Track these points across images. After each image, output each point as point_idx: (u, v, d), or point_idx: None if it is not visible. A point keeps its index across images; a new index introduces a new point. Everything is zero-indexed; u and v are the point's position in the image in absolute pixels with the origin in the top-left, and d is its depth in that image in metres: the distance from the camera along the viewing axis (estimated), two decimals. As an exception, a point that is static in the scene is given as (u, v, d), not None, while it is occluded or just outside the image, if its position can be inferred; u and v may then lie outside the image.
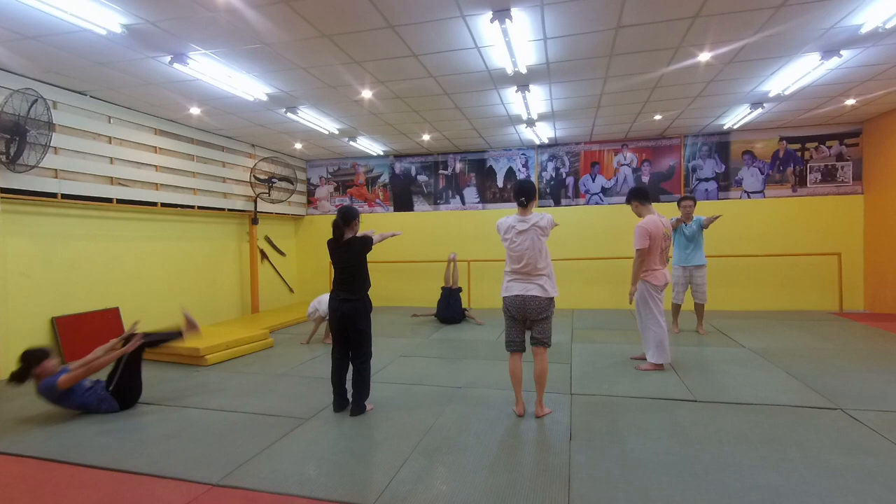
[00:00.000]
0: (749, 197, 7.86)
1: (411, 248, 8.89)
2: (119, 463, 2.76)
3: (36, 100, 4.52)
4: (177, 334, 4.04)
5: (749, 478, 2.41)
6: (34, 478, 2.65)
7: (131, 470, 2.68)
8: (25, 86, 4.59)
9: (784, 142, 7.70)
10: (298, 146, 8.36)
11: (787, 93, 5.70)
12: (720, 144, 7.93)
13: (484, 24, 3.91)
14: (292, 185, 8.40)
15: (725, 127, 7.49)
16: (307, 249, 9.69)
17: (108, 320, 5.74)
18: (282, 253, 9.25)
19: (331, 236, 3.65)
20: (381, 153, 9.04)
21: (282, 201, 8.36)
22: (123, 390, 3.64)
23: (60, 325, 5.20)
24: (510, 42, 4.14)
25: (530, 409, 3.39)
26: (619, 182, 8.35)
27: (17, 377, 3.42)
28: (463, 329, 6.60)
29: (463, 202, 9.02)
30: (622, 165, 8.33)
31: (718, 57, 4.65)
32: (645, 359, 4.48)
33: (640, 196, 4.38)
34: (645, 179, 8.22)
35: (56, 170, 5.14)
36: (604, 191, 8.41)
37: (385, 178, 9.40)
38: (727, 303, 7.63)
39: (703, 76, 5.20)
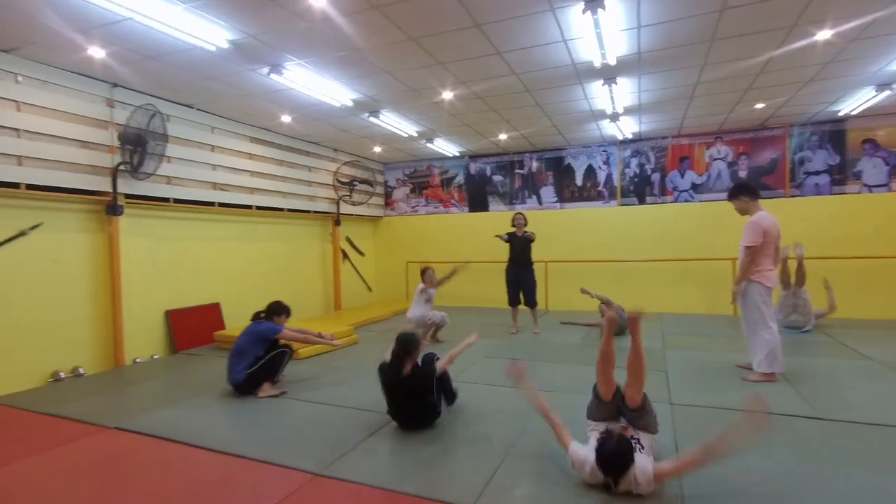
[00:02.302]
0: (871, 191, 6.97)
1: (486, 249, 8.81)
2: (229, 447, 2.95)
3: (154, 114, 4.99)
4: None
5: (902, 511, 2.10)
6: (160, 455, 2.91)
7: (241, 454, 2.85)
8: (146, 101, 5.09)
9: (915, 127, 6.75)
10: (377, 149, 8.61)
11: (923, 71, 4.99)
12: (834, 133, 7.11)
13: (574, 16, 3.77)
14: (372, 187, 8.68)
15: (841, 113, 6.69)
16: (384, 250, 9.96)
17: (210, 314, 6.24)
18: (361, 253, 9.57)
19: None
20: (457, 154, 9.08)
21: (362, 203, 8.66)
22: (251, 378, 3.95)
23: (172, 318, 5.72)
24: (601, 33, 3.97)
25: None
26: (711, 178, 7.76)
27: (260, 315, 4.23)
28: (544, 331, 6.41)
29: (540, 202, 8.83)
30: (715, 160, 7.73)
31: (841, 34, 4.15)
32: (752, 368, 4.10)
33: (750, 191, 4.00)
34: (742, 174, 7.56)
35: (169, 177, 5.66)
36: (694, 187, 7.85)
37: (460, 178, 9.44)
38: (843, 309, 6.79)
39: (820, 57, 4.67)
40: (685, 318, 7.20)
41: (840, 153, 7.10)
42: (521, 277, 6.24)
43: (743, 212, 4.08)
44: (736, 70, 5.00)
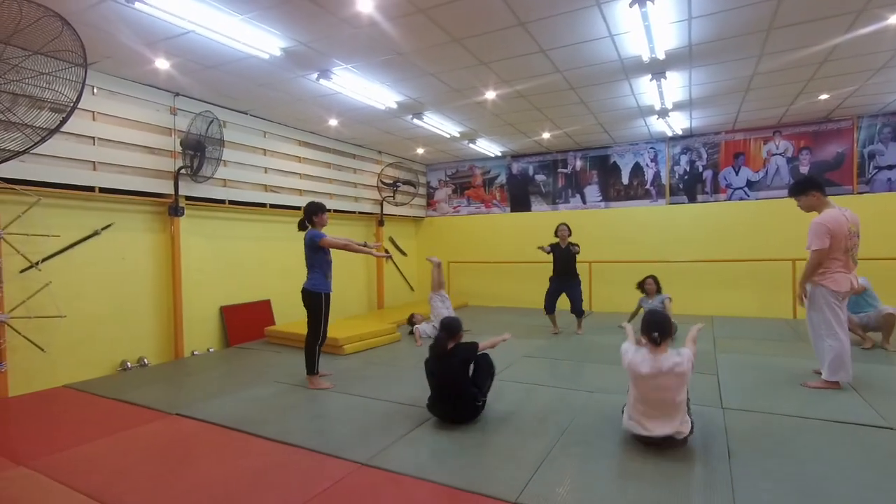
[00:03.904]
0: (951, 187, 6.41)
1: (527, 250, 8.72)
2: (282, 435, 3.09)
3: (212, 120, 5.29)
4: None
5: None
6: (217, 441, 3.08)
7: (292, 443, 2.97)
8: (204, 109, 5.40)
9: None
10: (420, 151, 8.72)
11: None
12: (908, 124, 6.59)
13: (621, 10, 3.70)
14: (414, 188, 8.80)
15: (917, 103, 6.20)
16: (427, 250, 10.05)
17: (261, 310, 6.53)
18: (404, 253, 9.72)
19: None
20: (499, 154, 9.06)
21: (405, 204, 8.80)
22: (315, 294, 4.44)
23: (226, 313, 6.03)
24: (649, 26, 3.87)
25: None
26: (769, 174, 7.36)
27: (302, 225, 4.40)
28: (586, 331, 6.28)
29: (584, 201, 8.67)
30: (773, 155, 7.33)
31: (917, 17, 3.85)
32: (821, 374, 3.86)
33: (821, 187, 3.73)
34: (804, 170, 7.13)
35: (225, 179, 5.97)
36: (749, 184, 7.48)
37: (502, 178, 9.41)
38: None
39: (893, 43, 4.35)
40: (739, 321, 6.85)
41: (916, 146, 6.58)
42: (566, 287, 6.13)
43: (810, 209, 3.79)
44: (797, 59, 4.73)
